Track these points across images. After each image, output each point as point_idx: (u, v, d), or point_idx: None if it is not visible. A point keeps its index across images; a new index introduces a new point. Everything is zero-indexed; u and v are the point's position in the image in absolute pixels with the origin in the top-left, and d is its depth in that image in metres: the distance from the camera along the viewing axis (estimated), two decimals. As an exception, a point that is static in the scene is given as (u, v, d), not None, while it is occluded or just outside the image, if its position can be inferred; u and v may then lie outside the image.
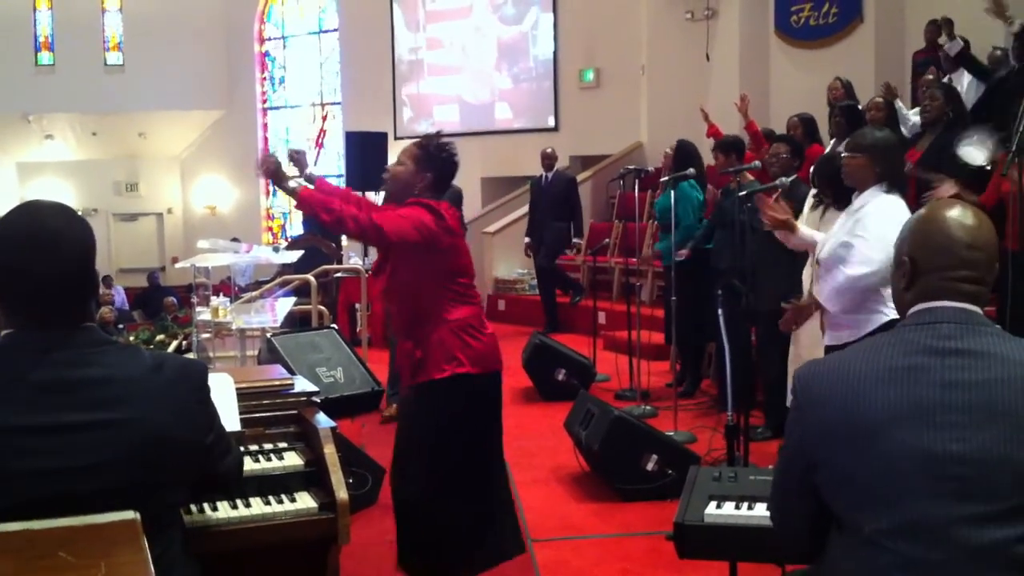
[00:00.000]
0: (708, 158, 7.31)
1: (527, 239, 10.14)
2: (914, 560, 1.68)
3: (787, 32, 11.06)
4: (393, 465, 3.80)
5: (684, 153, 7.09)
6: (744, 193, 5.00)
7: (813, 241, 4.40)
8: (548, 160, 9.91)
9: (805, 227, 4.60)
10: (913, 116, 7.12)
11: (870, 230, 3.88)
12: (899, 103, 7.56)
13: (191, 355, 6.72)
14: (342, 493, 2.58)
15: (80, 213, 2.04)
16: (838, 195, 4.67)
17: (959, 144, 5.78)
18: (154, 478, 1.89)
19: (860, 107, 7.21)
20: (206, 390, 2.07)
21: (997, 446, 1.67)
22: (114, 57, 18.40)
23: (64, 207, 1.96)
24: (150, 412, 1.88)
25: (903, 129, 7.05)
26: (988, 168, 5.62)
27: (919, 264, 1.90)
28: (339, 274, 9.89)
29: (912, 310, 1.88)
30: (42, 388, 1.82)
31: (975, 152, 5.72)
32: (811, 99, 8.47)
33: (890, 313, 3.95)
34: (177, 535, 2.02)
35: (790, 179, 5.56)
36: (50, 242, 1.86)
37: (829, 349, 4.18)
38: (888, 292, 3.96)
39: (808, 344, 4.89)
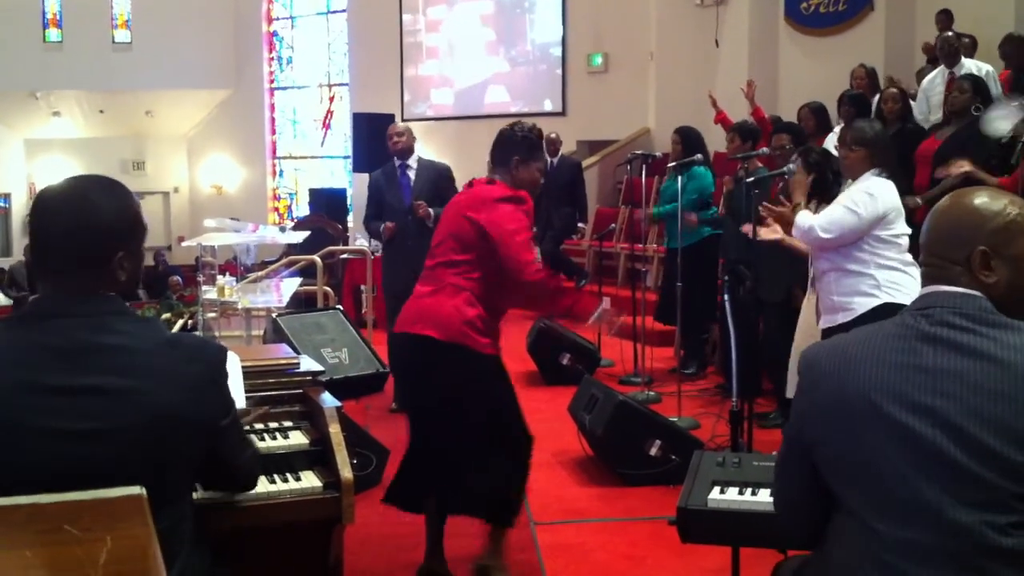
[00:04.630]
0: (716, 144, 7.27)
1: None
2: (905, 543, 1.69)
3: (797, 19, 11.00)
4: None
5: (692, 139, 7.02)
6: (751, 180, 4.98)
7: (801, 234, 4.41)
8: (552, 145, 9.84)
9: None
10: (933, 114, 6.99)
11: (843, 198, 4.16)
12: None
13: (197, 333, 6.73)
14: (347, 473, 2.57)
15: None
16: (822, 188, 4.68)
17: (985, 115, 5.69)
18: (157, 454, 1.87)
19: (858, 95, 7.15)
20: (222, 372, 2.05)
21: (982, 432, 1.66)
22: (122, 35, 18.35)
23: (100, 180, 2.00)
24: (159, 386, 1.88)
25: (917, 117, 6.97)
26: (1012, 138, 5.51)
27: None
28: (345, 255, 9.89)
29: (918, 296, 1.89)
30: (54, 350, 1.85)
31: (1001, 122, 5.61)
32: (820, 87, 8.42)
33: (883, 296, 4.07)
34: (187, 516, 2.00)
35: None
36: (51, 205, 1.95)
37: (826, 332, 4.21)
38: (881, 275, 4.09)
39: (809, 332, 4.88)
